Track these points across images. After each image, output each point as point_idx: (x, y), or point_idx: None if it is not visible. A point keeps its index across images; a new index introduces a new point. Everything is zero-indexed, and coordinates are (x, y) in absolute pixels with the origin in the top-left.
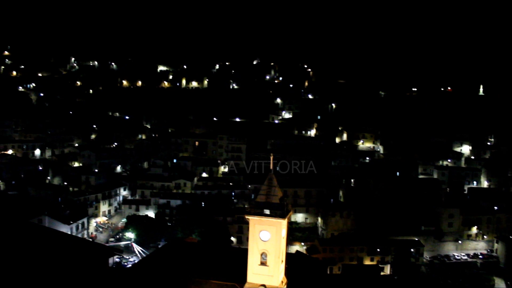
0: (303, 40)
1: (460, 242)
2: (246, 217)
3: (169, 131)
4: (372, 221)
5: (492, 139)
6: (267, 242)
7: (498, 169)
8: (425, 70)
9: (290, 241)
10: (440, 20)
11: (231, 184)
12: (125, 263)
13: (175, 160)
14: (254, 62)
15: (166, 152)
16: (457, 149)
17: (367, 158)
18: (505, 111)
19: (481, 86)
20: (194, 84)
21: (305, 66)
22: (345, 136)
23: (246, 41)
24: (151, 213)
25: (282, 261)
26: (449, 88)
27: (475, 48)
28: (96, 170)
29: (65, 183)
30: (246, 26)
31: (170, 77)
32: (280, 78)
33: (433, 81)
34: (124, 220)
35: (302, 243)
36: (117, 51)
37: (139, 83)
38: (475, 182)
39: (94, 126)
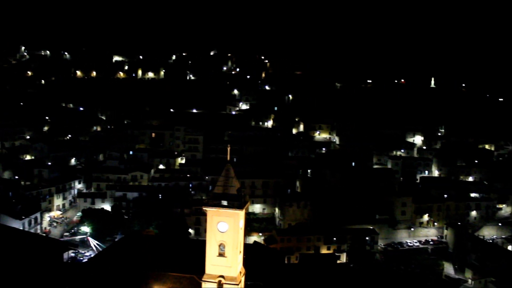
0: (260, 31)
1: (412, 229)
2: (204, 208)
3: (125, 122)
4: (329, 211)
5: (443, 130)
6: (225, 233)
7: (448, 159)
8: (379, 62)
9: (248, 232)
10: (394, 15)
11: (188, 175)
12: (81, 258)
13: (131, 152)
14: (211, 53)
15: (122, 144)
16: (410, 140)
17: (324, 148)
18: (455, 103)
19: (433, 79)
20: (151, 75)
21: (262, 57)
22: (301, 127)
23: (203, 32)
24: (107, 206)
25: (240, 252)
26: (402, 80)
27: (428, 42)
28: (49, 163)
29: (16, 177)
30: (203, 16)
31: (126, 67)
32: (237, 69)
33: (388, 74)
34: (79, 213)
35: (260, 234)
36: (71, 40)
37: (94, 73)
38: (426, 172)
39: (47, 117)
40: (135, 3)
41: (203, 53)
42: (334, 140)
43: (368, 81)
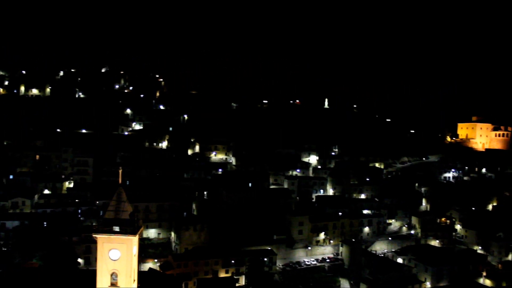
0: (155, 48)
1: (309, 248)
2: (94, 235)
3: (5, 143)
4: (226, 233)
5: (336, 150)
6: (117, 261)
7: (342, 178)
8: (275, 83)
9: (142, 258)
10: (289, 38)
11: (77, 200)
12: None
13: (11, 176)
14: (103, 70)
15: (1, 167)
16: (305, 159)
17: (220, 169)
18: (347, 123)
19: (326, 100)
20: (35, 91)
21: (157, 75)
22: (197, 148)
23: (94, 47)
24: None
25: (134, 280)
26: (297, 101)
27: (322, 64)
28: None
29: None
30: (94, 30)
31: (6, 83)
32: (130, 88)
33: (283, 94)
34: None
35: (155, 260)
36: None
37: None
38: (322, 190)
39: None
40: (17, 12)
41: (93, 70)
42: (231, 161)
43: (264, 101)
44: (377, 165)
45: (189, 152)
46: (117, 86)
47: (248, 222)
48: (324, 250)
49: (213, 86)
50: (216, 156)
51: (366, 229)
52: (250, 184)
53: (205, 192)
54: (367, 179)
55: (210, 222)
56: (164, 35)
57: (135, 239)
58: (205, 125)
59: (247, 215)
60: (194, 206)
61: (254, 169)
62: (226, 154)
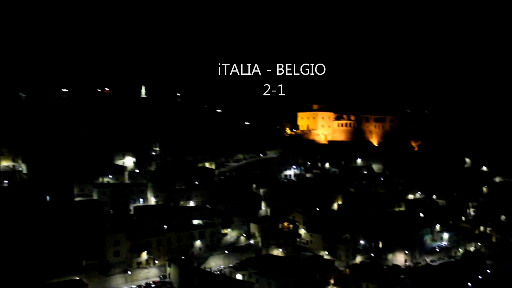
0: None
1: (129, 272)
2: None
3: None
4: (18, 264)
5: (157, 149)
6: None
7: (165, 183)
8: (78, 66)
9: None
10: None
11: None
12: None
13: None
14: None
15: None
16: (119, 162)
17: (6, 181)
18: (170, 116)
19: (143, 87)
20: None
21: None
22: None
23: None
24: None
25: None
26: (106, 89)
27: (138, 44)
28: None
29: None
30: None
31: None
32: None
33: (88, 80)
34: None
35: None
36: None
37: None
38: (141, 200)
39: None
40: None
41: None
42: (20, 169)
43: (63, 90)
44: (207, 165)
45: None
46: None
47: (49, 247)
48: (148, 273)
49: None
50: (0, 164)
51: (198, 243)
52: (48, 198)
53: None
54: (196, 183)
55: None
56: None
57: None
58: None
59: (46, 237)
60: None
61: (53, 178)
62: (13, 161)
